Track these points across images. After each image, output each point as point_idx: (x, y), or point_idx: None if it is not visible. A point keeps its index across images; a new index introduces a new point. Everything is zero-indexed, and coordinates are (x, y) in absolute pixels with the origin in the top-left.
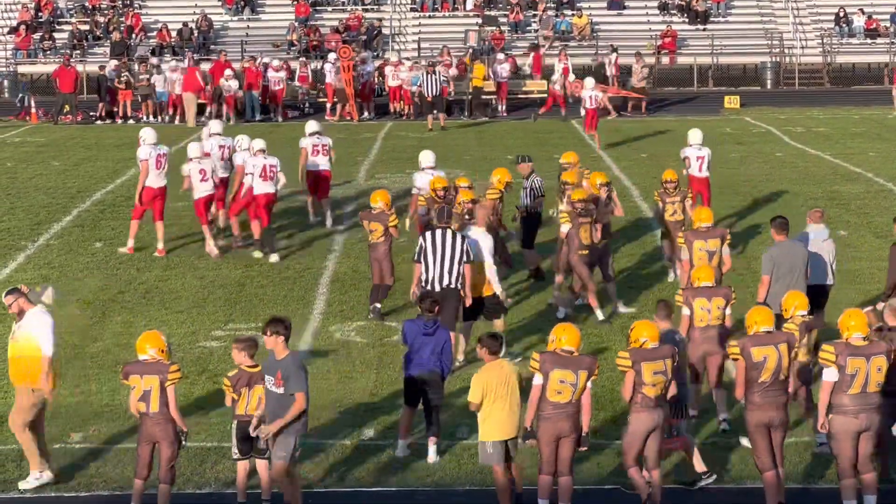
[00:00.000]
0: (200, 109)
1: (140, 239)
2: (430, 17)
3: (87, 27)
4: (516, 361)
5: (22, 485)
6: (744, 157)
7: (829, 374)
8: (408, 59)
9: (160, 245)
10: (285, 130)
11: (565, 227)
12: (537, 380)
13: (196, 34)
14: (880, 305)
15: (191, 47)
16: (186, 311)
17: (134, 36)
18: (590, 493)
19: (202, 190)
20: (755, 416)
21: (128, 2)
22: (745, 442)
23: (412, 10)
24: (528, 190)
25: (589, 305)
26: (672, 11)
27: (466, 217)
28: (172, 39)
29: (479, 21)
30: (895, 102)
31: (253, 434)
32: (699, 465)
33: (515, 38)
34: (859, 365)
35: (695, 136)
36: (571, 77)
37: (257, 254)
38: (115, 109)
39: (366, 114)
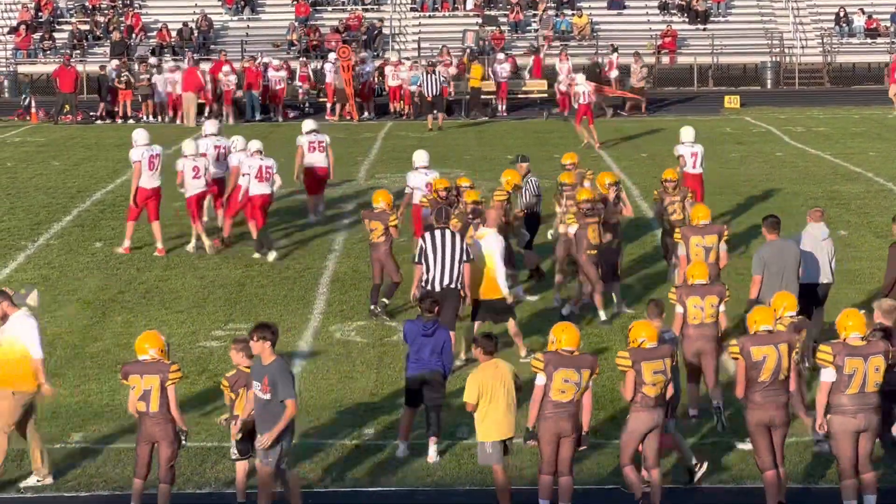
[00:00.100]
0: (200, 109)
1: (140, 239)
2: (430, 17)
3: (87, 27)
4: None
5: (22, 484)
6: (744, 157)
7: (827, 375)
8: (408, 58)
9: (159, 244)
10: (285, 130)
11: (573, 228)
12: (540, 380)
13: (196, 34)
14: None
15: (191, 47)
16: (186, 311)
17: (134, 36)
18: (590, 493)
19: (195, 187)
20: (756, 415)
21: (128, 2)
22: (740, 445)
23: (412, 9)
24: (524, 190)
25: (594, 305)
26: (672, 11)
27: (470, 217)
28: (172, 39)
29: (480, 21)
30: (895, 102)
31: (234, 439)
32: (691, 458)
33: (515, 38)
34: (857, 365)
35: (687, 133)
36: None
37: (257, 254)
38: (116, 109)
39: (366, 114)
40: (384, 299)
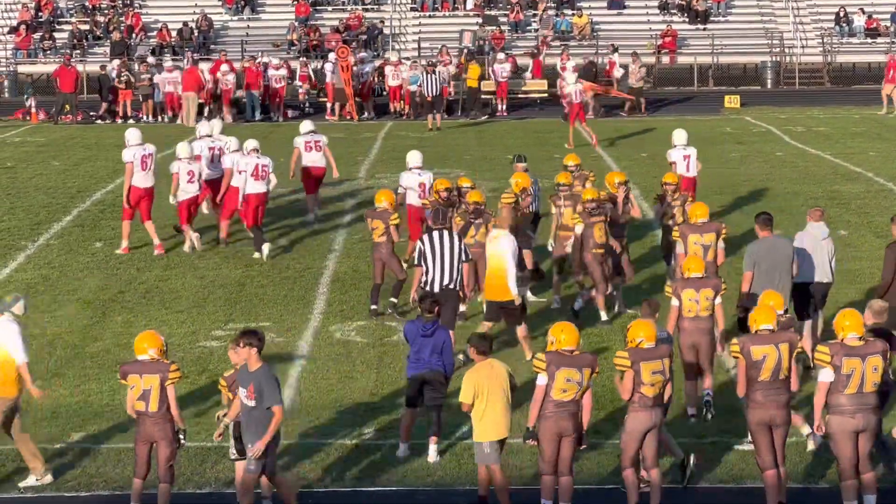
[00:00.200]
0: (200, 109)
1: (139, 239)
2: (430, 16)
3: (87, 27)
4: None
5: (22, 484)
6: (744, 157)
7: (825, 375)
8: (407, 58)
9: (156, 242)
10: (285, 130)
11: (579, 228)
12: (541, 380)
13: (196, 34)
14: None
15: (191, 47)
16: (186, 311)
17: (134, 36)
18: (590, 493)
19: (188, 192)
20: (756, 414)
21: (128, 2)
22: (739, 446)
23: (412, 9)
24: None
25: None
26: (672, 11)
27: (472, 217)
28: (172, 39)
29: (480, 21)
30: (894, 102)
31: (216, 439)
32: (680, 453)
33: (515, 37)
34: (855, 365)
35: (679, 136)
36: None
37: (257, 254)
38: (117, 109)
39: (366, 114)
40: (393, 299)
